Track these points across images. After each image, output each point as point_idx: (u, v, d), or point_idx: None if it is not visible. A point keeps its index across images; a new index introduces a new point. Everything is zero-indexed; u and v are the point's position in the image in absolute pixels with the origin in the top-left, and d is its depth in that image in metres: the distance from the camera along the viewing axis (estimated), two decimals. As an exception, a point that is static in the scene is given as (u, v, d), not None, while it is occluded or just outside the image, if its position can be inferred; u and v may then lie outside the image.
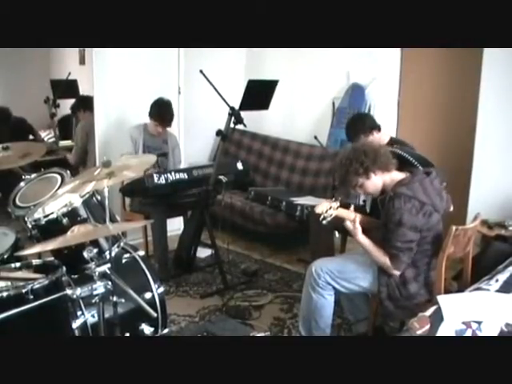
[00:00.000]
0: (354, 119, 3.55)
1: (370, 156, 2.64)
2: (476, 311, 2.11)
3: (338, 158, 2.77)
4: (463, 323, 2.05)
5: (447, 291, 2.65)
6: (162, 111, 4.19)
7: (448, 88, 4.50)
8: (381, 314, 2.90)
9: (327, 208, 2.64)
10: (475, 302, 2.20)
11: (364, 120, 3.47)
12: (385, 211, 2.65)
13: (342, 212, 2.71)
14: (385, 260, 2.65)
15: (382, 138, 3.40)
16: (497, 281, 2.45)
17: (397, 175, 2.70)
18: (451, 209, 2.83)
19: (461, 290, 2.71)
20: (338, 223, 2.80)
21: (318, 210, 2.66)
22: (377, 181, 2.68)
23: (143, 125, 4.29)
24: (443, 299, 2.19)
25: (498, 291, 2.35)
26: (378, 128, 3.40)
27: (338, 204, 2.68)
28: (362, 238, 2.69)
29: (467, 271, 2.88)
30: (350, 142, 3.50)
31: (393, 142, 3.40)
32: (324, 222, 2.66)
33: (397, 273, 2.66)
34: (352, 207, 2.77)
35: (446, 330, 2.05)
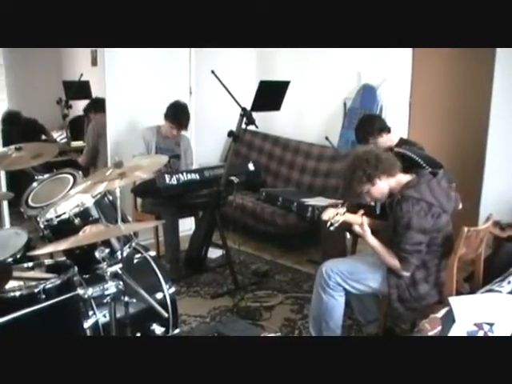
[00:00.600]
0: (364, 121, 3.55)
1: (372, 162, 2.63)
2: (488, 313, 2.10)
3: (344, 166, 2.77)
4: (475, 325, 2.04)
5: (459, 293, 2.63)
6: (178, 114, 4.18)
7: (460, 88, 4.47)
8: (390, 315, 2.89)
9: (334, 214, 2.64)
10: (487, 304, 2.18)
11: (373, 122, 3.47)
12: (393, 214, 2.64)
13: (349, 217, 2.70)
14: (394, 262, 2.64)
15: (391, 139, 3.40)
16: (509, 282, 2.43)
17: (403, 178, 2.69)
18: (460, 206, 2.81)
19: (472, 291, 2.69)
20: (347, 227, 2.80)
21: (324, 217, 2.66)
22: (382, 186, 2.67)
23: (156, 127, 4.30)
24: (455, 301, 2.18)
25: (510, 293, 2.33)
26: (387, 129, 3.40)
27: (345, 209, 2.68)
28: (372, 240, 2.69)
29: (479, 273, 2.86)
30: (359, 143, 3.50)
31: (402, 142, 3.39)
32: (331, 228, 2.65)
33: (406, 274, 2.66)
34: (360, 212, 2.76)
35: (457, 331, 2.04)
